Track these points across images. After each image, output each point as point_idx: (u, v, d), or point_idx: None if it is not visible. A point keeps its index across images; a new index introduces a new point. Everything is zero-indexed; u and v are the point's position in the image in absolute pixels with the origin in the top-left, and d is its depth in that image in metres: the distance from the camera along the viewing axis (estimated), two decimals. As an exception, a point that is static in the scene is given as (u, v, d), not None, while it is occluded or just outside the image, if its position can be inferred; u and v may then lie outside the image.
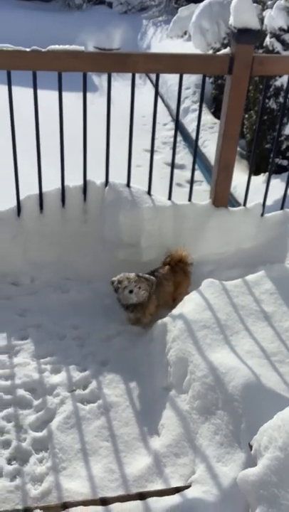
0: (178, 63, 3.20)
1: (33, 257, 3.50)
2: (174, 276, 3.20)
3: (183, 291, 3.17)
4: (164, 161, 5.88)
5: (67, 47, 2.98)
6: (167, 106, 8.05)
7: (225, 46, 6.24)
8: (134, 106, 3.30)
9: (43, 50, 2.96)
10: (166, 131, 7.13)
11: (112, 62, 3.12)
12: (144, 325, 3.10)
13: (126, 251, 3.46)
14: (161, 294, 3.13)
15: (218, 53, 3.39)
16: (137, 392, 2.69)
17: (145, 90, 8.44)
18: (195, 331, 2.63)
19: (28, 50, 2.95)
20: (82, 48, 3.01)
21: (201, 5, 8.21)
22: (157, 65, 3.19)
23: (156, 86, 3.31)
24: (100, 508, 2.00)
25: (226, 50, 3.24)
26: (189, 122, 6.99)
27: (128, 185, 3.54)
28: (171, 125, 7.41)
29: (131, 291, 2.94)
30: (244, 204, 3.72)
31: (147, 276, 3.04)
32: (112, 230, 3.44)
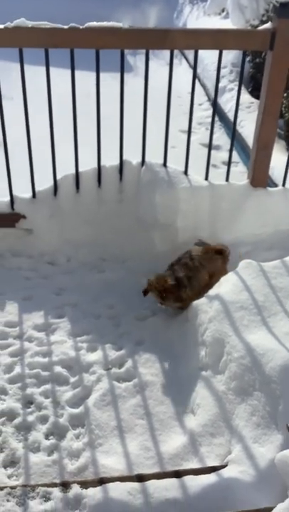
0: (217, 39, 3.12)
1: (69, 236, 3.52)
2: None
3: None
4: (199, 141, 5.79)
5: (105, 24, 2.95)
6: (203, 85, 7.90)
7: (264, 23, 6.07)
8: (171, 83, 3.25)
9: (81, 27, 2.94)
10: (202, 111, 7.01)
11: (150, 38, 3.07)
12: (177, 307, 3.06)
13: (161, 231, 3.44)
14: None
15: (258, 28, 3.29)
16: (172, 372, 2.69)
17: (181, 70, 8.30)
18: (232, 312, 2.60)
19: (65, 27, 2.93)
20: (120, 25, 2.97)
21: (240, -19, 7.99)
22: (196, 41, 3.13)
23: (194, 63, 3.25)
24: (136, 484, 2.02)
25: (267, 25, 3.14)
26: (226, 102, 6.85)
27: (164, 165, 3.51)
28: (207, 105, 7.29)
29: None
30: (283, 184, 3.64)
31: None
32: (147, 210, 3.42)
